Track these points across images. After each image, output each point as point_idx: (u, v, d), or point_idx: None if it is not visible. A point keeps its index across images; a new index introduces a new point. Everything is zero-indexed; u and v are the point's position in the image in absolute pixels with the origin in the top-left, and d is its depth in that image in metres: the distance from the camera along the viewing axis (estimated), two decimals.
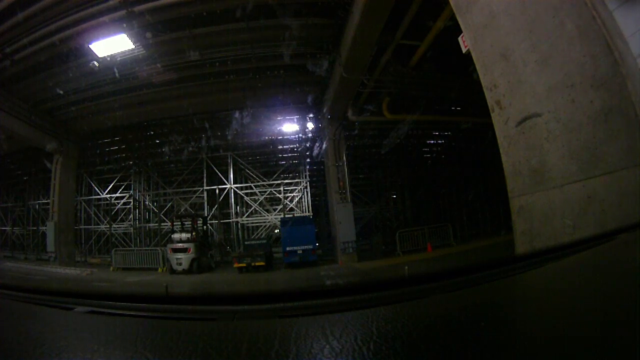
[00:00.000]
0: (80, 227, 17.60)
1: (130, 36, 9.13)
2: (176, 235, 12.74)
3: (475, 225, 17.97)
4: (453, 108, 13.89)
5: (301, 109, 13.81)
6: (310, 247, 12.05)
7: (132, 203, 18.10)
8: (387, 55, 9.58)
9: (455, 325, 0.58)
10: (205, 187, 16.86)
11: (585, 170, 2.41)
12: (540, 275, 0.92)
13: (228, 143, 16.14)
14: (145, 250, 14.38)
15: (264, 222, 17.59)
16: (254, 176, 17.56)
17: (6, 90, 11.33)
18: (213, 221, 16.62)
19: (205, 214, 16.00)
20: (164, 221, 17.05)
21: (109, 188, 18.22)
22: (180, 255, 11.86)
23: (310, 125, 14.75)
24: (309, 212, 17.18)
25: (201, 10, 8.64)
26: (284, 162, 18.44)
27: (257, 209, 17.25)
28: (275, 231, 16.72)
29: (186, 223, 13.96)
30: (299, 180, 17.71)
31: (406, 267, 7.77)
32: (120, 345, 0.55)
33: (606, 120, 2.29)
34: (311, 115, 14.12)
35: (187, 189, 17.83)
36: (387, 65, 9.99)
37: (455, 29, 4.29)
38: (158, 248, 13.91)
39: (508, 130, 3.02)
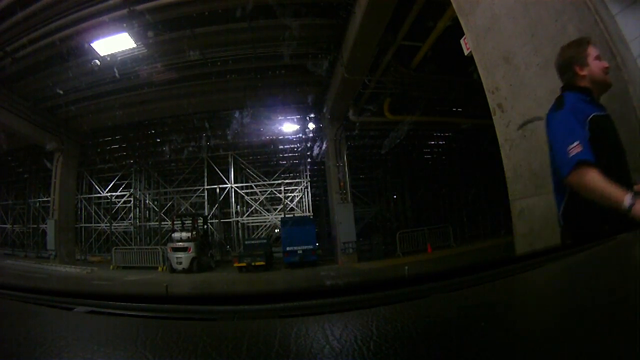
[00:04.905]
0: (81, 225, 17.60)
1: (131, 35, 9.15)
2: (176, 235, 12.75)
3: (475, 226, 17.96)
4: (454, 109, 13.90)
5: (302, 109, 13.82)
6: (311, 247, 12.04)
7: (132, 202, 18.11)
8: (388, 56, 9.59)
9: (455, 325, 0.58)
10: (205, 187, 16.87)
11: None
12: (540, 275, 0.92)
13: (229, 142, 16.15)
14: (146, 249, 14.40)
15: (264, 222, 17.59)
16: (255, 176, 17.56)
17: (7, 89, 11.35)
18: (213, 220, 16.62)
19: (206, 213, 16.01)
20: (165, 220, 17.05)
21: (110, 186, 18.22)
22: (180, 255, 11.87)
23: (310, 126, 14.78)
24: (309, 212, 17.17)
25: (202, 9, 8.65)
26: (284, 162, 18.45)
27: (257, 208, 17.26)
28: (276, 231, 16.73)
29: (186, 222, 13.97)
30: (299, 180, 17.70)
31: (406, 268, 7.77)
32: (120, 345, 0.55)
33: None
34: (312, 116, 14.14)
35: (188, 188, 17.85)
36: (388, 66, 10.00)
37: (456, 31, 4.27)
38: (158, 247, 13.93)
39: (509, 133, 3.01)
